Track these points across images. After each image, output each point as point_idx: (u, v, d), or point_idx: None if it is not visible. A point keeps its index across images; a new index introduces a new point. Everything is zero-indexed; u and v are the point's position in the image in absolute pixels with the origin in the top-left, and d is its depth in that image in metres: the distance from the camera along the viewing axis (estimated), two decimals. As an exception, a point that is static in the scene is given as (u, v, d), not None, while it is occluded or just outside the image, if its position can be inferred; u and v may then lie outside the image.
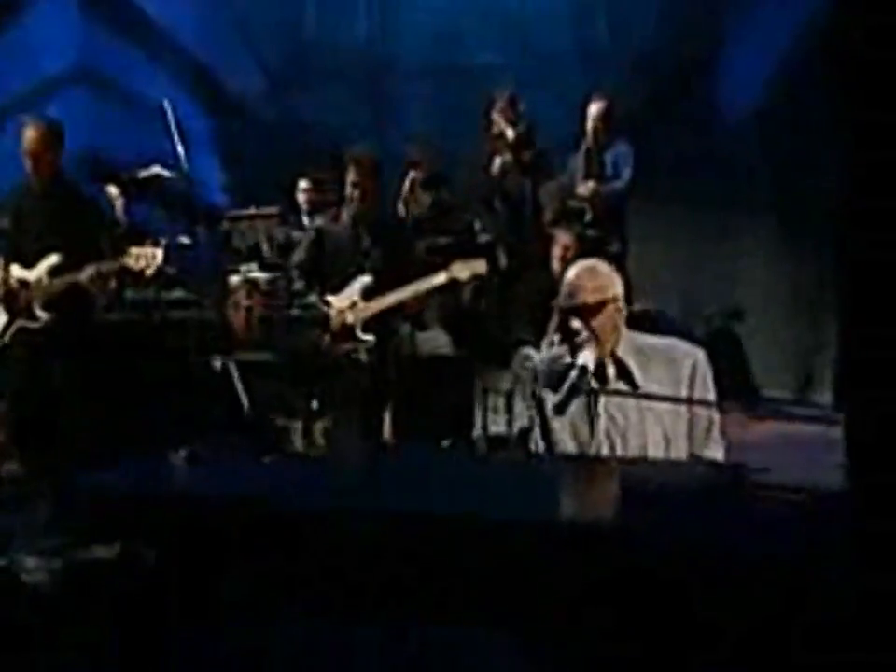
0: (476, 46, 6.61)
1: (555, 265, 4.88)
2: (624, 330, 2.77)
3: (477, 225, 5.73)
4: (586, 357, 2.67)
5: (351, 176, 4.47)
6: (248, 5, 6.78)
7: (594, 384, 2.68)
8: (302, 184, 5.89)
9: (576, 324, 2.73)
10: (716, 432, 2.69)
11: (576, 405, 2.72)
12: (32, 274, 4.60)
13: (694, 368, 2.70)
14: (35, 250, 4.61)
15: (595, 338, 2.70)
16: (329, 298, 4.41)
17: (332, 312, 4.35)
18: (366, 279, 4.40)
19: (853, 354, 1.74)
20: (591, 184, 5.69)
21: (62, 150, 4.63)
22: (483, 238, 5.68)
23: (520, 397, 4.97)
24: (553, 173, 5.95)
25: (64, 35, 6.57)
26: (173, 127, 5.50)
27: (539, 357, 3.07)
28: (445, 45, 6.61)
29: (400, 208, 5.20)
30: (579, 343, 2.71)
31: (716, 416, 2.70)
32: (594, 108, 5.78)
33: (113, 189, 6.20)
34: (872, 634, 1.58)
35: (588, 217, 5.46)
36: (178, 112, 5.78)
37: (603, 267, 2.84)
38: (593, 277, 2.78)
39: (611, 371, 2.72)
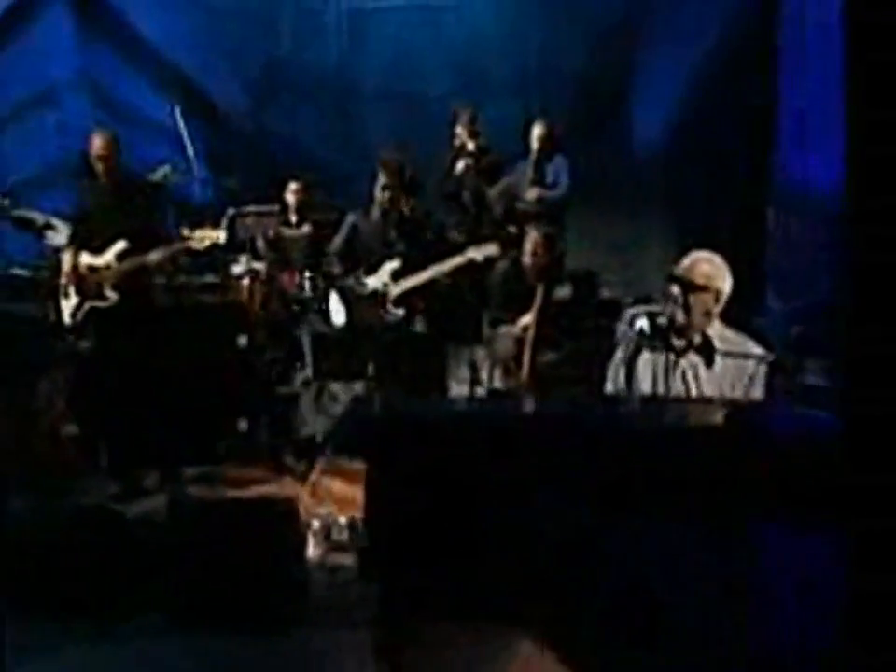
0: (428, 72, 7.21)
1: (527, 259, 5.49)
2: (717, 320, 3.26)
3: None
4: (643, 322, 3.27)
5: (382, 179, 4.99)
6: (232, 30, 7.15)
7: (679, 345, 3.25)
8: (292, 185, 6.32)
9: (675, 290, 3.24)
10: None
11: (662, 360, 3.26)
12: (100, 260, 4.97)
13: (756, 369, 3.19)
14: (101, 239, 4.97)
15: (686, 310, 3.21)
16: (364, 279, 4.95)
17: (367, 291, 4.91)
18: (394, 263, 4.94)
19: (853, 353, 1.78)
20: (536, 190, 6.41)
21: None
22: (452, 235, 6.27)
23: (498, 364, 5.60)
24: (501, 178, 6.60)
25: (65, 49, 6.79)
26: (183, 131, 5.84)
27: (632, 311, 3.53)
28: (402, 71, 7.18)
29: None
30: (671, 307, 3.26)
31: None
32: (537, 128, 6.48)
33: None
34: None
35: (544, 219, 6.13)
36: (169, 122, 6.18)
37: (720, 263, 3.27)
38: (710, 266, 3.24)
39: (697, 340, 3.26)
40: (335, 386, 5.56)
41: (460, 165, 6.44)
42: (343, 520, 4.61)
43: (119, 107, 6.87)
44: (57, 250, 5.67)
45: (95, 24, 6.94)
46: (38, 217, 5.81)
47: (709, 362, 3.28)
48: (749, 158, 6.82)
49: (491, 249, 5.13)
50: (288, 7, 7.26)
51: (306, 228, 6.25)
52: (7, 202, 5.95)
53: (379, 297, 4.91)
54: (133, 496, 4.81)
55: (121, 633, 3.79)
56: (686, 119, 6.83)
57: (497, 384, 5.61)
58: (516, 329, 5.39)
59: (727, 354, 3.25)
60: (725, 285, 3.27)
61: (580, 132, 6.80)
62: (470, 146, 6.49)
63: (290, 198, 6.33)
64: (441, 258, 5.06)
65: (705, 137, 6.73)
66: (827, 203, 6.08)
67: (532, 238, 5.50)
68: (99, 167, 4.99)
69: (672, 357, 3.31)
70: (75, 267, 5.00)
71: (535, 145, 6.48)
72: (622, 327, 3.57)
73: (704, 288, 3.23)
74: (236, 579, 3.92)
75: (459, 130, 6.54)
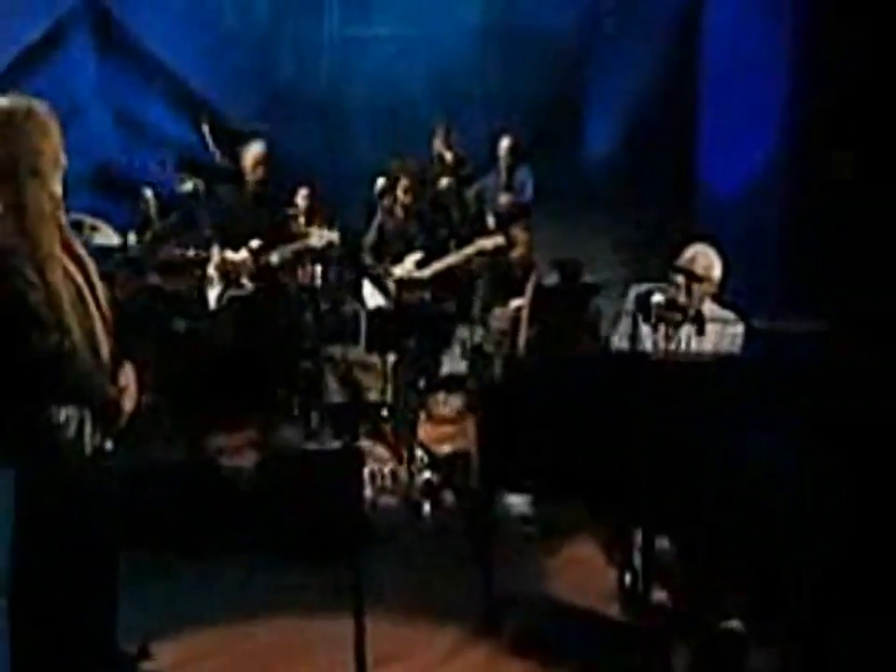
0: (407, 92, 7.86)
1: (515, 254, 6.27)
2: (708, 300, 3.91)
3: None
4: (658, 298, 3.85)
5: (403, 183, 5.63)
6: (238, 53, 7.66)
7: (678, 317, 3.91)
8: (302, 191, 6.89)
9: (679, 279, 3.82)
10: None
11: (661, 331, 3.88)
12: (238, 256, 5.52)
13: (734, 333, 3.87)
14: (240, 239, 5.65)
15: (688, 294, 3.84)
16: (392, 268, 5.64)
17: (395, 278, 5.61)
18: (417, 255, 5.62)
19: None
20: (507, 196, 7.16)
21: None
22: (442, 233, 6.93)
23: (490, 341, 6.34)
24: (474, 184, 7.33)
25: (88, 72, 7.22)
26: (211, 143, 6.35)
27: (637, 289, 4.02)
28: (384, 90, 7.83)
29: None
30: (676, 290, 3.87)
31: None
32: (504, 141, 7.23)
33: (149, 192, 6.93)
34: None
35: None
36: (182, 138, 6.70)
37: (714, 255, 3.83)
38: (706, 259, 3.81)
39: (692, 313, 3.89)
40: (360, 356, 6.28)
41: (444, 182, 7.10)
42: (386, 470, 5.31)
43: (137, 124, 7.30)
44: (100, 249, 6.14)
45: (115, 49, 7.38)
46: (86, 220, 6.23)
47: (701, 331, 3.91)
48: (676, 163, 7.71)
49: (498, 240, 5.84)
50: (288, 34, 7.84)
51: (315, 228, 6.84)
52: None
53: (414, 281, 5.58)
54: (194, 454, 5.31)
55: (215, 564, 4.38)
56: (627, 133, 7.70)
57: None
58: (509, 310, 6.15)
59: (713, 320, 3.90)
60: (718, 272, 3.84)
61: (538, 144, 7.55)
62: (447, 157, 7.19)
63: (301, 202, 6.90)
64: (455, 248, 5.77)
65: (643, 147, 7.59)
66: (743, 196, 7.05)
67: (521, 237, 6.26)
68: (256, 172, 5.61)
69: (671, 329, 3.93)
70: (222, 262, 5.55)
71: (503, 155, 7.23)
72: (628, 302, 4.08)
73: (703, 279, 3.81)
74: (307, 517, 4.54)
75: (437, 143, 7.23)
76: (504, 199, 7.16)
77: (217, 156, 6.30)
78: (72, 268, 3.01)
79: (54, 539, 3.03)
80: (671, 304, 3.89)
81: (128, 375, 3.19)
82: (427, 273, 5.64)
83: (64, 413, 2.96)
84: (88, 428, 3.04)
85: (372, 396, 6.38)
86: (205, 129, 6.36)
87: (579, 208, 7.69)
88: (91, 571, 3.23)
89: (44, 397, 2.91)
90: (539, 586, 4.19)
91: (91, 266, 3.15)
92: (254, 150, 5.67)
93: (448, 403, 6.34)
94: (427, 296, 5.59)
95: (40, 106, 3.02)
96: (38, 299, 2.83)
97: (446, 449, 5.45)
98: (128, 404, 3.16)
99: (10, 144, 2.89)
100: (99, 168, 6.86)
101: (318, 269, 6.63)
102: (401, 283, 5.61)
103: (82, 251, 3.13)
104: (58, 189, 3.03)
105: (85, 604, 3.24)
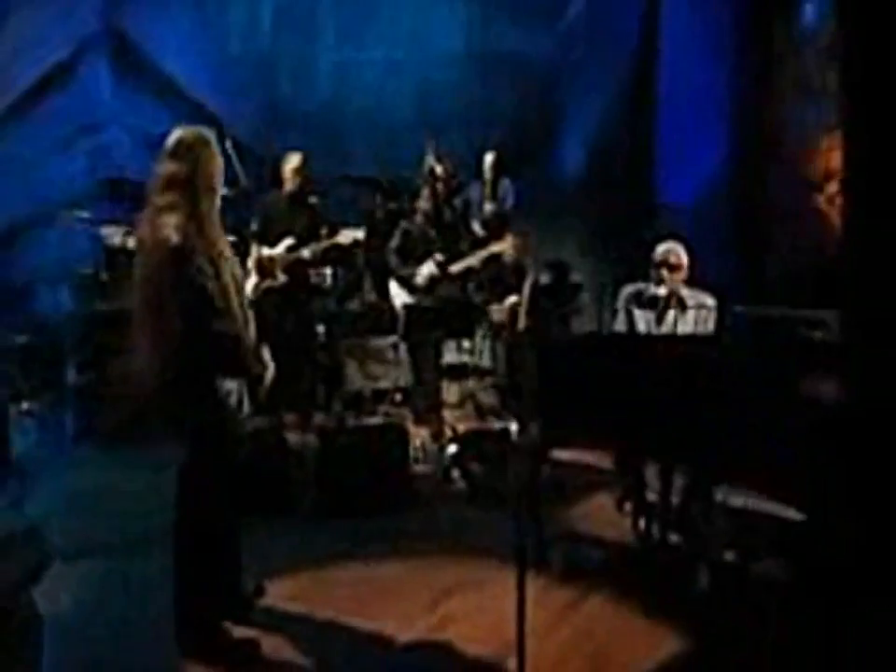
0: (395, 110, 8.60)
1: (508, 256, 7.07)
2: (683, 284, 4.85)
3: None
4: (661, 291, 4.85)
5: (425, 193, 6.43)
6: (242, 72, 8.29)
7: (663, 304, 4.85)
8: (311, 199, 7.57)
9: (664, 273, 4.81)
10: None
11: (653, 315, 4.87)
12: (274, 252, 6.23)
13: (710, 309, 4.82)
14: (275, 236, 6.44)
15: (672, 280, 4.82)
16: (416, 270, 6.42)
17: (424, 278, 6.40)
18: (438, 257, 6.40)
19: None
20: (492, 206, 7.97)
21: None
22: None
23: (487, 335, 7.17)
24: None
25: (104, 91, 7.77)
26: (234, 156, 6.96)
27: (628, 289, 4.93)
28: (375, 108, 8.57)
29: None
30: (659, 281, 4.85)
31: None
32: (489, 157, 8.04)
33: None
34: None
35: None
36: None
37: (681, 248, 4.85)
38: (677, 251, 4.82)
39: (674, 298, 4.86)
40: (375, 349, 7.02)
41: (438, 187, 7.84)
42: (418, 442, 6.10)
43: (152, 140, 7.79)
44: (112, 250, 6.78)
45: (131, 69, 7.91)
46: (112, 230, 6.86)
47: (684, 311, 4.89)
48: (637, 175, 8.63)
49: (508, 243, 6.65)
50: (287, 56, 8.52)
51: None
52: (84, 214, 6.96)
53: (438, 280, 6.38)
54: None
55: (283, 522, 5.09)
56: (594, 148, 8.61)
57: (486, 352, 7.20)
58: (505, 306, 6.99)
59: (693, 306, 4.89)
60: (686, 260, 4.83)
61: (515, 160, 8.36)
62: (438, 170, 7.94)
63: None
64: (471, 251, 6.58)
65: (608, 161, 8.52)
66: (697, 201, 8.03)
67: (512, 242, 7.04)
68: (293, 179, 6.43)
69: (659, 312, 4.93)
70: (258, 257, 6.37)
71: (488, 169, 8.04)
72: (621, 300, 5.04)
73: (678, 267, 4.84)
74: (360, 481, 5.27)
75: (428, 156, 7.97)
76: (489, 208, 7.97)
77: (242, 175, 6.91)
78: (232, 269, 3.71)
79: (213, 497, 3.69)
80: (669, 295, 4.89)
81: (266, 354, 3.90)
82: (451, 271, 6.45)
83: (228, 387, 3.65)
84: (245, 399, 3.74)
85: (384, 383, 7.20)
86: (229, 147, 6.95)
87: (551, 217, 8.53)
88: (228, 520, 3.91)
89: (217, 372, 3.60)
90: (574, 528, 5.10)
91: (238, 266, 3.85)
92: (292, 161, 6.48)
93: (450, 390, 7.16)
94: (453, 293, 6.39)
95: (211, 137, 3.70)
96: (215, 290, 3.52)
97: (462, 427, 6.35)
98: (267, 378, 3.87)
99: (192, 166, 3.59)
100: (114, 181, 7.33)
101: (327, 271, 7.36)
102: (431, 281, 6.41)
103: (231, 253, 3.83)
104: (219, 203, 3.72)
105: (224, 548, 3.91)
